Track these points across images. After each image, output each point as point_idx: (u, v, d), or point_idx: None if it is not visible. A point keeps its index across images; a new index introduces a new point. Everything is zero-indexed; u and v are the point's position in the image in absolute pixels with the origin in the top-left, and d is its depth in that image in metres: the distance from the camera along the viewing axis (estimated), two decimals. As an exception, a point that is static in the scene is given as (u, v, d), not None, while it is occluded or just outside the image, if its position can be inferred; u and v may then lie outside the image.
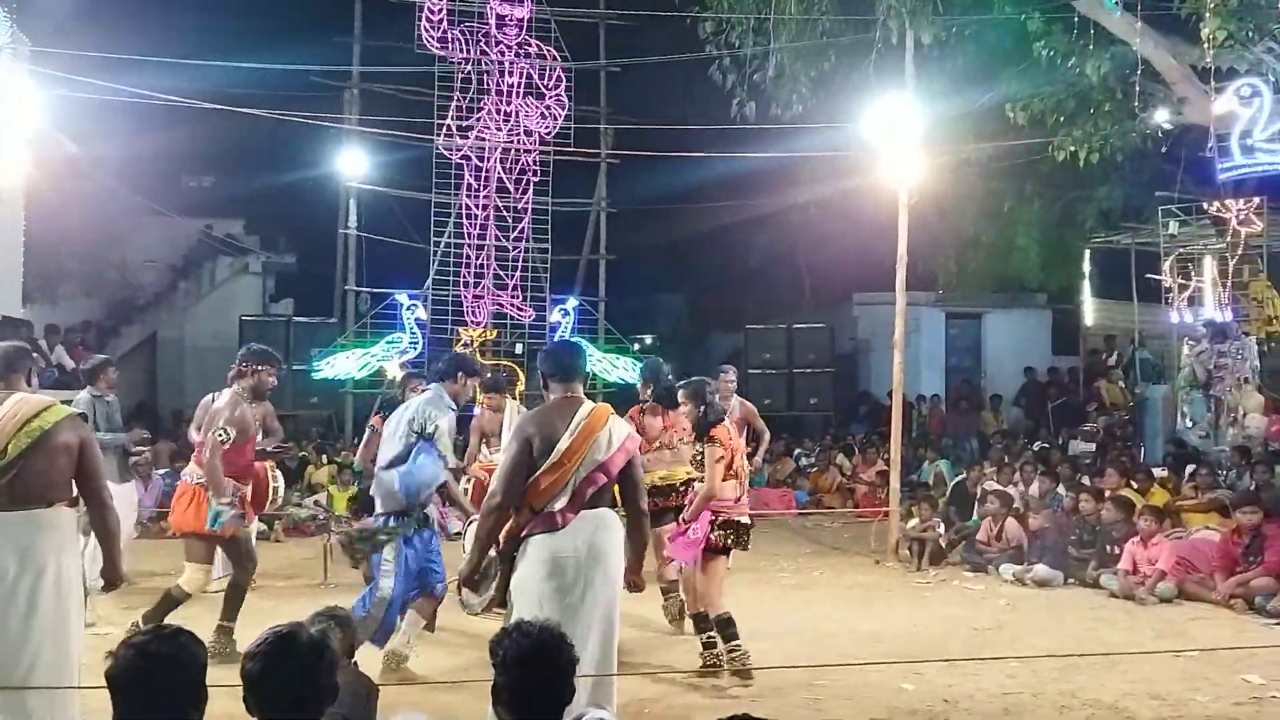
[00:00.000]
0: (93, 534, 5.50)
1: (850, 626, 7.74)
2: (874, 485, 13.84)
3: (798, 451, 15.97)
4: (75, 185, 14.81)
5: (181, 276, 21.57)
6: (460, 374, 6.46)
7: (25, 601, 4.24)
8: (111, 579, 4.67)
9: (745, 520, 6.39)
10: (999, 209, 17.56)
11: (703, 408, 6.37)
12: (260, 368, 6.68)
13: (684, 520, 6.39)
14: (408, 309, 16.93)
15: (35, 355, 4.90)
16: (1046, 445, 14.56)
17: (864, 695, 6.01)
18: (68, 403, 5.33)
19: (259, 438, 7.41)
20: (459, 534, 9.06)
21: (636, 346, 19.27)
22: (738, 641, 6.20)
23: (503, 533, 4.65)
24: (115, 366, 8.70)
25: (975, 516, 10.87)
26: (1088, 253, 18.20)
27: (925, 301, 18.93)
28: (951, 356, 20.40)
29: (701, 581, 6.38)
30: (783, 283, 23.27)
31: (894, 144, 10.67)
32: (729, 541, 6.31)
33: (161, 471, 12.13)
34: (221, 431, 6.38)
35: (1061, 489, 10.94)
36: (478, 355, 16.89)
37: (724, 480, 6.28)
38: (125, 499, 7.69)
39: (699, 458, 6.41)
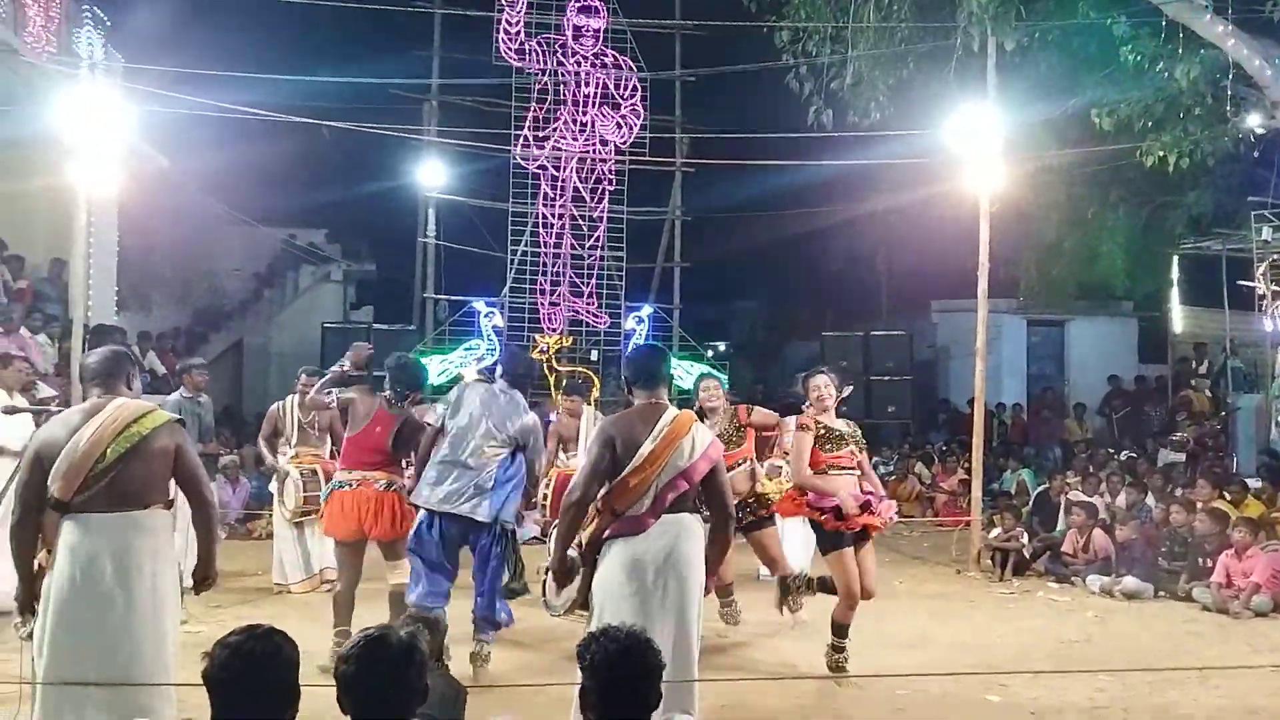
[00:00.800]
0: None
1: (932, 636, 7.63)
2: (954, 494, 13.64)
3: (875, 460, 15.76)
4: (165, 197, 15.25)
5: (266, 285, 22.05)
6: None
7: (122, 602, 4.31)
8: (206, 575, 4.71)
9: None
10: (1083, 215, 17.17)
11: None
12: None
13: None
14: (485, 316, 17.12)
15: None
16: (1134, 455, 14.20)
17: (947, 706, 5.93)
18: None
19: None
20: (536, 538, 9.16)
21: (710, 354, 19.25)
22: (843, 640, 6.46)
23: (586, 535, 4.68)
24: (201, 369, 8.98)
25: (1060, 526, 10.65)
26: (1176, 259, 17.73)
27: (1006, 309, 18.61)
28: (1033, 364, 20.01)
29: None
30: (860, 290, 23.06)
31: (975, 151, 10.54)
32: None
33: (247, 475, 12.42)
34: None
35: (1150, 499, 10.67)
36: (554, 362, 17.04)
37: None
38: None
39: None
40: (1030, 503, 11.88)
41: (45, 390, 8.08)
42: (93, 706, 4.24)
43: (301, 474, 8.67)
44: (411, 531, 6.31)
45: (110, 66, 12.37)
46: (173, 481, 4.64)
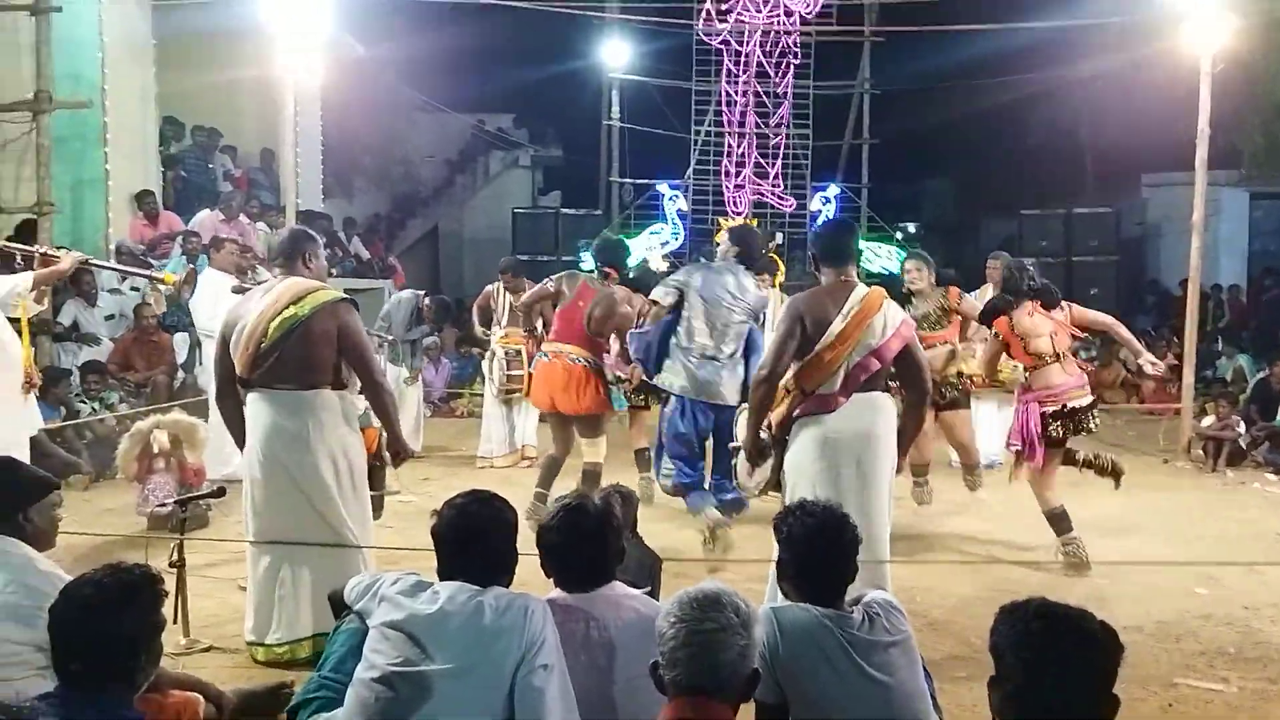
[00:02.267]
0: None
1: (1136, 525, 7.35)
2: (1163, 380, 12.95)
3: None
4: (363, 85, 15.72)
5: (458, 171, 22.64)
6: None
7: (297, 474, 4.48)
8: (397, 452, 4.88)
9: (1080, 403, 6.26)
10: (1319, 73, 15.61)
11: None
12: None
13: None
14: (669, 199, 17.11)
15: (323, 241, 4.99)
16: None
17: (1152, 598, 5.71)
18: (357, 291, 5.63)
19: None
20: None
21: (900, 235, 18.71)
22: (1071, 534, 6.25)
23: (775, 415, 4.67)
24: (442, 313, 9.44)
25: (1282, 415, 10.01)
26: None
27: (1227, 181, 17.20)
28: (1255, 241, 18.52)
29: (1035, 478, 6.36)
30: (1062, 164, 21.77)
31: (1196, 4, 9.67)
32: (1064, 432, 6.23)
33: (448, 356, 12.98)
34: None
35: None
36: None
37: (1042, 366, 6.25)
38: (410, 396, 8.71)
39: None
40: (1249, 390, 11.18)
41: (264, 274, 8.58)
42: (295, 566, 4.53)
43: (506, 353, 8.99)
44: (666, 426, 6.37)
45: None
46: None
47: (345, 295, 4.72)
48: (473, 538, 2.98)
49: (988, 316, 6.50)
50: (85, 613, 2.58)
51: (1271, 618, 5.41)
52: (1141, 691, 4.36)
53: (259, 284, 7.90)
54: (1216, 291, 16.56)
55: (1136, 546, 6.71)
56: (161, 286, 6.78)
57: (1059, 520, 6.29)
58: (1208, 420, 9.87)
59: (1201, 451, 9.73)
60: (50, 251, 5.85)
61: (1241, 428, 9.75)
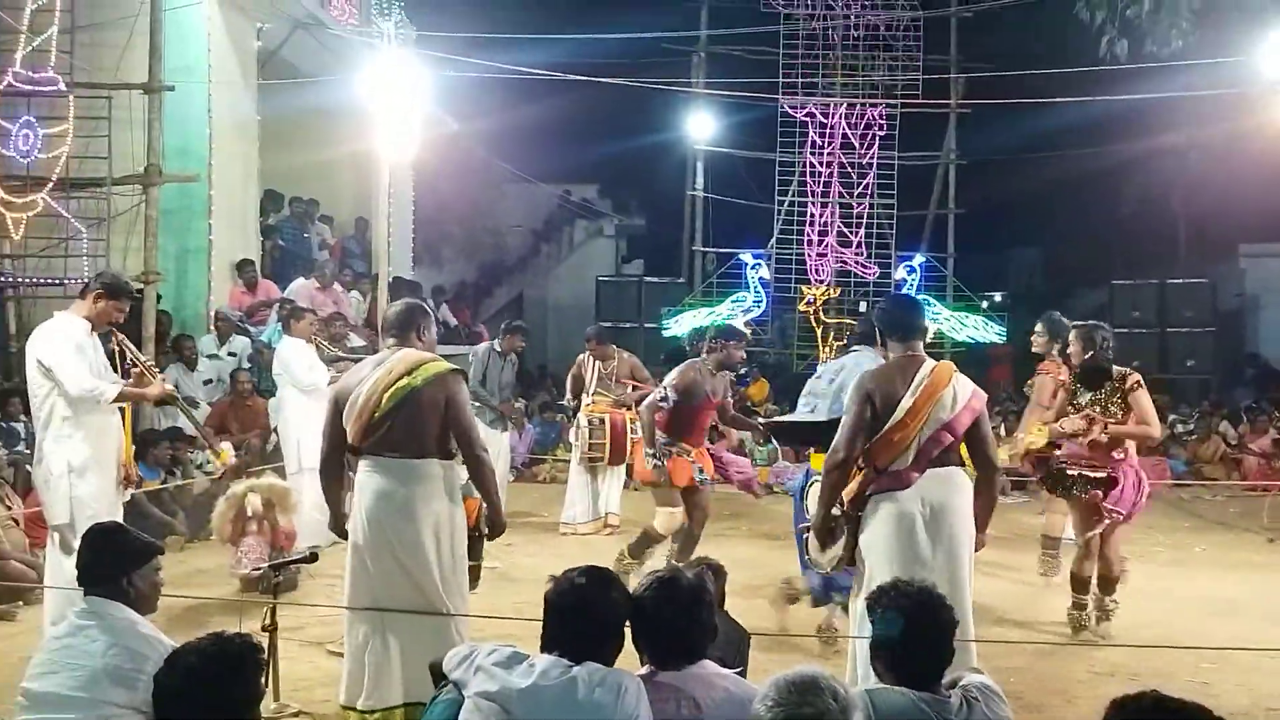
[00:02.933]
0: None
1: (1241, 607, 7.05)
2: (1266, 456, 12.50)
3: (1173, 418, 14.68)
4: (454, 158, 16.16)
5: (543, 240, 23.05)
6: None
7: (399, 542, 4.52)
8: (495, 524, 4.93)
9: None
10: None
11: (1091, 353, 6.22)
12: (728, 343, 7.01)
13: None
14: (752, 268, 17.15)
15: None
16: None
17: (1259, 684, 5.47)
18: (446, 358, 5.68)
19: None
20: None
21: (986, 304, 18.48)
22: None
23: (847, 492, 4.59)
24: (524, 334, 9.58)
25: (1395, 495, 9.57)
26: None
27: (1332, 251, 16.77)
28: (1362, 313, 17.94)
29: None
30: (1154, 234, 21.36)
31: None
32: None
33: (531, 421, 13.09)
34: (663, 391, 6.77)
35: None
36: (820, 314, 16.87)
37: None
38: (495, 445, 8.52)
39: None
40: (1358, 467, 10.73)
41: (356, 340, 8.79)
42: (388, 634, 4.54)
43: (590, 422, 9.04)
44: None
45: (404, 35, 13.17)
46: None
47: (456, 367, 4.79)
48: (577, 612, 2.97)
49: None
50: (189, 682, 2.63)
51: (1389, 709, 5.13)
52: (1254, 787, 4.16)
53: (352, 350, 8.15)
54: (1320, 364, 16.04)
55: (1240, 628, 6.44)
56: (213, 459, 6.86)
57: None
58: (1315, 499, 9.50)
59: (1309, 532, 9.35)
60: (148, 369, 5.89)
61: (1352, 508, 9.35)
